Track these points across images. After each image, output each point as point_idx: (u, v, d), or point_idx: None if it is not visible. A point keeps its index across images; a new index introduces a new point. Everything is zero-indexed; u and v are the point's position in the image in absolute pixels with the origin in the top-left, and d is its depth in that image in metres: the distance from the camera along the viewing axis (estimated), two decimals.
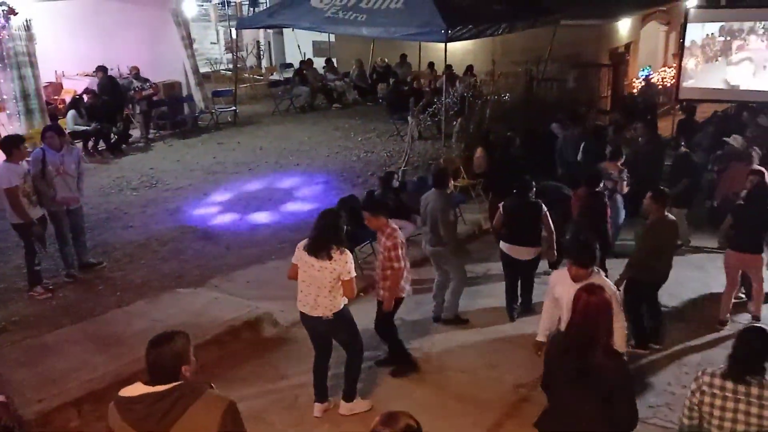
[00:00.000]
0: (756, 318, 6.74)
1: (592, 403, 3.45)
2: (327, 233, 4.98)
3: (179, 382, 2.89)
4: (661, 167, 9.70)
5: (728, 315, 6.82)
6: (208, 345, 6.19)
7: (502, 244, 7.03)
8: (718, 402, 3.38)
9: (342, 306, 5.15)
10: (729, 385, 3.37)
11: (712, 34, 14.30)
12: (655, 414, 5.40)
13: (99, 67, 14.03)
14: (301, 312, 5.24)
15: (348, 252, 5.07)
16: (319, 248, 4.95)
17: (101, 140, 13.08)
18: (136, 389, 2.91)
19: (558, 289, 4.81)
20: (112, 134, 13.22)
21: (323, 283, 4.98)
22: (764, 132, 10.80)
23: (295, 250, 5.23)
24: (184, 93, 15.47)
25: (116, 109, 13.57)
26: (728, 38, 14.05)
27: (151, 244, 8.84)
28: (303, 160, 12.78)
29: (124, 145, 13.48)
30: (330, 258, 4.91)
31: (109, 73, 14.07)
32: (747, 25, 13.86)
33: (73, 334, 6.43)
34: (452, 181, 7.51)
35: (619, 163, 8.61)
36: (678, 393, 5.70)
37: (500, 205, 7.04)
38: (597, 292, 3.57)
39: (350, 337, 5.37)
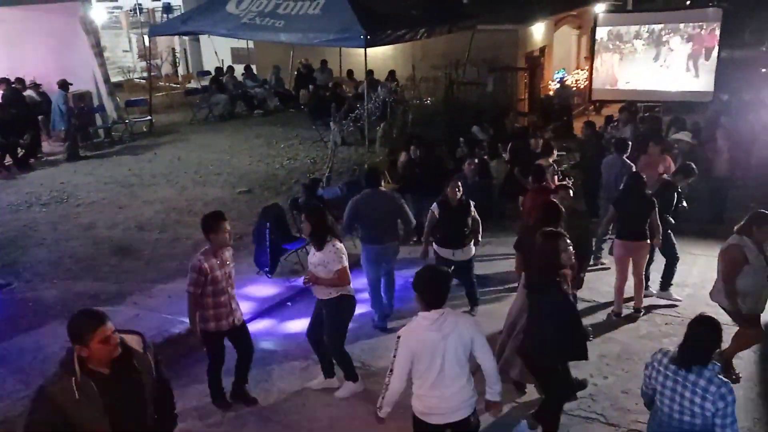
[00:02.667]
0: (637, 310, 7.08)
1: (549, 324, 4.61)
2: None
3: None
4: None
5: (621, 306, 7.12)
6: None
7: (437, 248, 6.98)
8: (660, 379, 3.78)
9: None
10: (672, 367, 3.72)
11: (602, 38, 15.00)
12: (579, 405, 5.53)
13: (2, 78, 13.33)
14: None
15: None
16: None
17: (7, 155, 12.39)
18: None
19: (412, 344, 3.87)
20: (18, 148, 12.55)
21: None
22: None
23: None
24: (96, 103, 14.87)
25: (23, 122, 12.87)
26: (617, 42, 14.80)
27: (63, 261, 8.43)
28: (224, 169, 12.51)
29: (32, 160, 12.83)
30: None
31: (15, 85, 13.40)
32: (633, 29, 14.62)
33: None
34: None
35: (551, 160, 8.84)
36: (600, 384, 5.87)
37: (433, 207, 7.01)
38: (551, 237, 4.64)
39: None
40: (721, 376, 3.61)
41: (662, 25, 14.41)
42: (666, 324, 6.95)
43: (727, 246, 5.70)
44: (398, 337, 3.93)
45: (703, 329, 3.66)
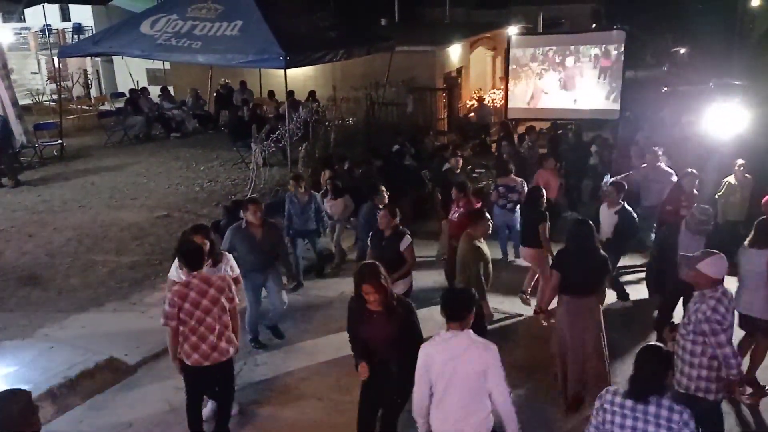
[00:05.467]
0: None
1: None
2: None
3: None
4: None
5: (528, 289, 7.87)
6: (41, 399, 5.62)
7: None
8: (618, 419, 3.51)
9: None
10: (629, 403, 3.49)
11: (514, 60, 15.58)
12: None
13: None
14: None
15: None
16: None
17: None
18: None
19: (423, 357, 3.92)
20: None
21: None
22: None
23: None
24: None
25: None
26: (515, 66, 15.40)
27: None
28: (140, 193, 12.14)
29: None
30: None
31: None
32: (528, 52, 15.28)
33: None
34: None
35: (513, 176, 9.05)
36: None
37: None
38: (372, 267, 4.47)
39: None
40: (676, 404, 3.44)
41: (570, 47, 15.05)
42: None
43: None
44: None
45: (654, 359, 3.51)
